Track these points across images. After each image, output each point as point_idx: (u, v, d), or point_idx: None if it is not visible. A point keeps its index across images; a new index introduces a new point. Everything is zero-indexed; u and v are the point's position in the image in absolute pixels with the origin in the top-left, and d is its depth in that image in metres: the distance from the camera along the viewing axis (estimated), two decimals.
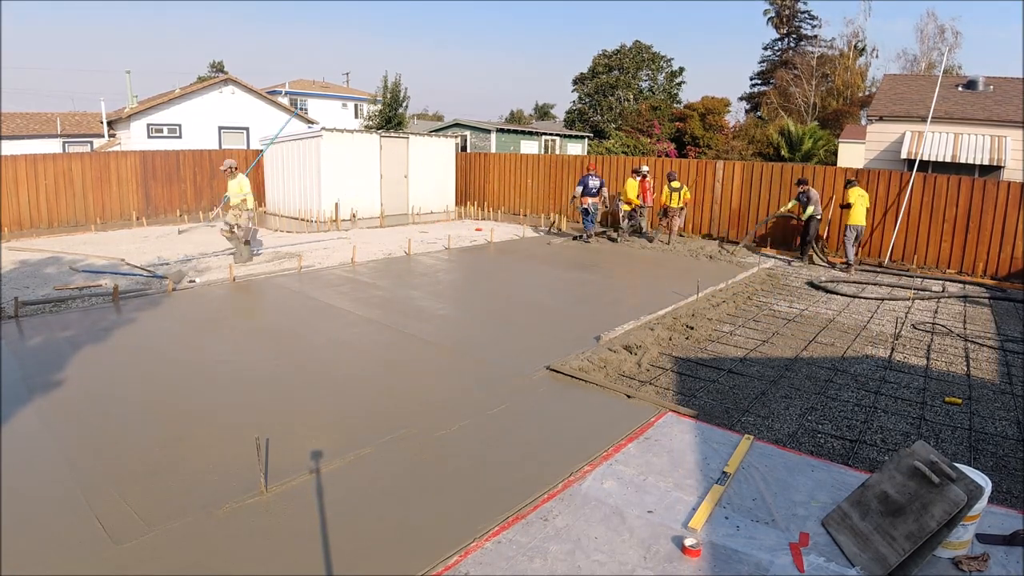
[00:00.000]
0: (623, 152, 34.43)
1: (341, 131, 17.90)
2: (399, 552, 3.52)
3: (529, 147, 33.20)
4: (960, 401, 6.05)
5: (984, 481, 3.58)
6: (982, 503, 3.49)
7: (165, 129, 25.82)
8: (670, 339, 7.68)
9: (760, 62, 57.55)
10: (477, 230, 16.54)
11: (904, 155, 17.39)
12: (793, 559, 3.55)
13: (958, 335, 8.38)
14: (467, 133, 32.32)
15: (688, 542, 3.57)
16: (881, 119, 19.24)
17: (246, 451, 4.30)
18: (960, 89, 20.65)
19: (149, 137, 25.31)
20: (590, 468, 4.48)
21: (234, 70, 69.33)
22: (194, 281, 9.83)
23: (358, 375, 6.29)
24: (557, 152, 34.44)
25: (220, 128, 27.03)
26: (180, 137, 25.74)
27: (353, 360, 6.71)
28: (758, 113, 51.22)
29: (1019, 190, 12.54)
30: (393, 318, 8.23)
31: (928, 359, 7.39)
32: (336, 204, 17.29)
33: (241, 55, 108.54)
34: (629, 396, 5.79)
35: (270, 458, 4.39)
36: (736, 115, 51.72)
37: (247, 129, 27.44)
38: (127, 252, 12.32)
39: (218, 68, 57.11)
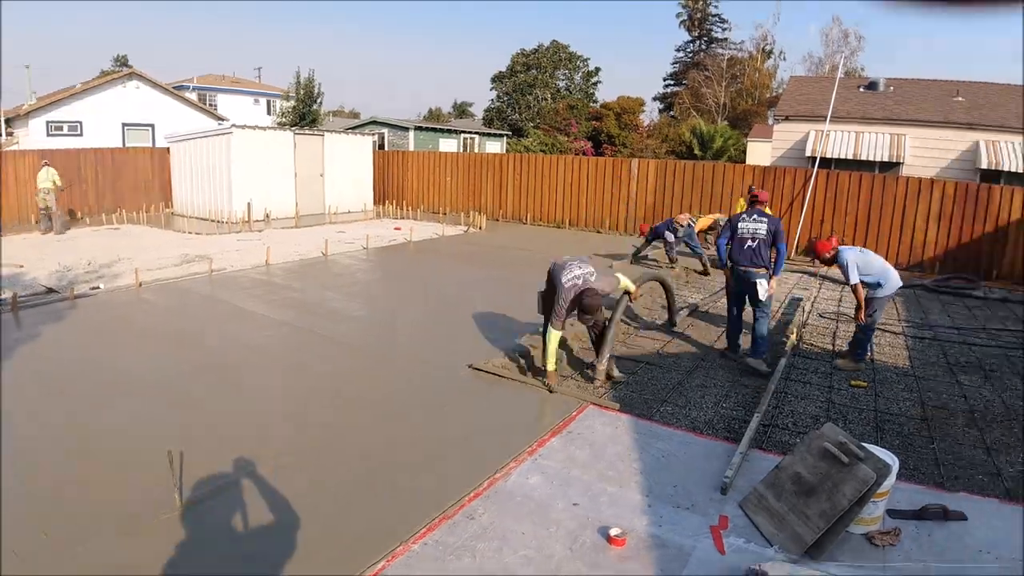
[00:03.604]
0: (541, 150, 34.69)
1: (253, 128, 17.37)
2: (323, 561, 3.44)
3: (448, 145, 33.06)
4: (865, 384, 6.38)
5: (891, 459, 3.77)
6: (890, 480, 3.68)
7: (65, 127, 24.43)
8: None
9: (673, 63, 59.04)
10: (396, 229, 16.35)
11: (808, 153, 18.19)
12: (714, 542, 3.65)
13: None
14: (385, 131, 31.90)
15: (613, 532, 3.62)
16: (787, 119, 20.07)
17: (158, 465, 4.09)
18: (862, 90, 21.75)
19: (49, 135, 23.90)
20: (515, 464, 4.49)
21: (139, 64, 66.38)
22: (98, 287, 9.32)
23: (274, 382, 6.10)
24: (476, 150, 34.42)
25: (124, 125, 25.76)
26: (81, 135, 24.38)
27: (269, 366, 6.51)
28: (671, 113, 52.59)
29: (917, 185, 13.32)
30: (310, 321, 8.03)
31: (834, 345, 7.75)
32: (248, 204, 16.76)
33: (147, 49, 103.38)
34: (551, 391, 5.83)
35: (185, 471, 4.18)
36: (650, 115, 52.85)
37: (152, 126, 26.26)
38: (27, 259, 11.59)
39: (122, 62, 54.38)
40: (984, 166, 16.88)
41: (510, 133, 42.46)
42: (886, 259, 7.17)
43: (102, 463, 4.40)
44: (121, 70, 35.15)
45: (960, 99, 19.49)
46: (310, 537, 3.64)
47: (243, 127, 17.07)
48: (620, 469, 4.48)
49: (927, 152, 18.08)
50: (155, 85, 27.00)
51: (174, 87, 29.91)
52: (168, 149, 19.57)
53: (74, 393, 5.62)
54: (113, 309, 8.38)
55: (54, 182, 14.95)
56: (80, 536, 3.56)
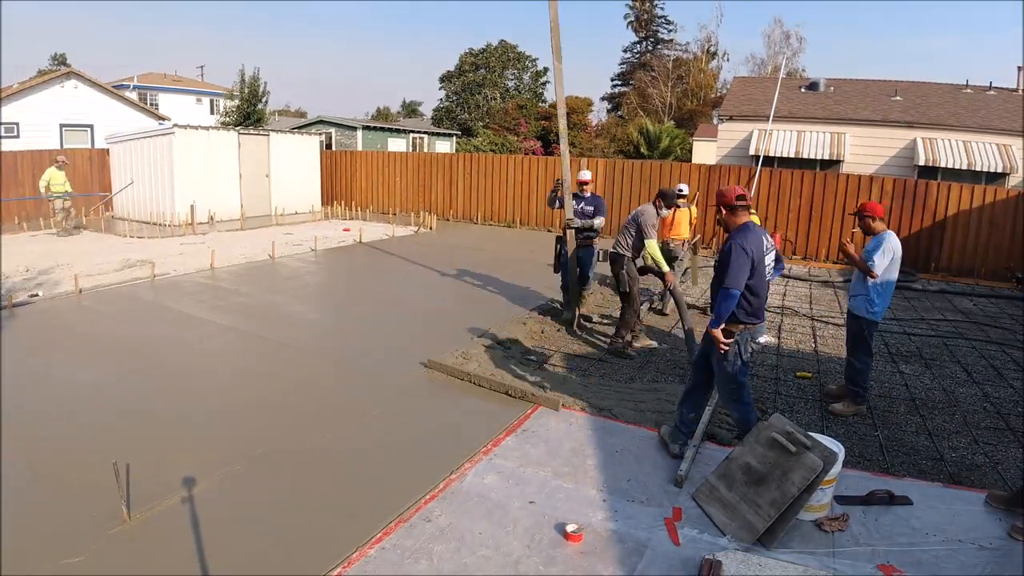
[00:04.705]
0: (491, 150, 34.70)
1: (195, 128, 16.95)
2: (277, 569, 3.36)
3: (397, 145, 32.80)
4: (810, 375, 6.53)
5: (837, 447, 3.87)
6: (837, 467, 3.77)
7: (1, 128, 23.39)
8: (542, 332, 7.79)
9: (620, 64, 59.64)
10: (345, 230, 16.13)
11: (752, 152, 18.57)
12: (669, 534, 3.69)
13: (805, 315, 9.03)
14: (332, 131, 31.49)
15: (570, 528, 3.62)
16: (731, 119, 20.46)
17: (104, 479, 3.91)
18: (803, 90, 22.31)
19: None
20: (470, 465, 4.47)
21: (78, 63, 64.12)
22: (37, 295, 8.93)
23: (222, 389, 5.94)
24: (425, 150, 34.24)
25: (62, 126, 24.77)
26: (17, 136, 23.29)
27: (216, 373, 6.33)
28: (619, 113, 53.11)
29: (857, 182, 13.71)
30: (258, 326, 7.86)
31: (779, 338, 7.92)
32: (192, 206, 16.33)
33: (86, 48, 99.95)
34: (507, 392, 5.81)
35: (132, 484, 4.00)
36: (598, 115, 53.30)
37: (91, 127, 25.32)
38: None
39: (60, 61, 52.53)
40: (922, 163, 17.47)
41: (460, 133, 42.40)
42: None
43: (45, 477, 4.23)
44: (59, 69, 33.81)
45: (898, 98, 20.15)
46: (262, 547, 3.55)
47: (185, 127, 16.64)
48: (575, 465, 4.50)
49: (866, 150, 18.64)
50: (94, 84, 26.08)
51: (114, 86, 28.93)
52: (108, 150, 18.97)
53: (16, 405, 5.38)
54: (53, 317, 8.05)
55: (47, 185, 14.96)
56: (22, 555, 3.40)
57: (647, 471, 4.41)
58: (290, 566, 3.37)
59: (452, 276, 11.14)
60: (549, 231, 17.14)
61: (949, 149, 17.49)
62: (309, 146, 19.99)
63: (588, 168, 16.77)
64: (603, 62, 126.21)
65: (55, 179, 15.03)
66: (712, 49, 52.78)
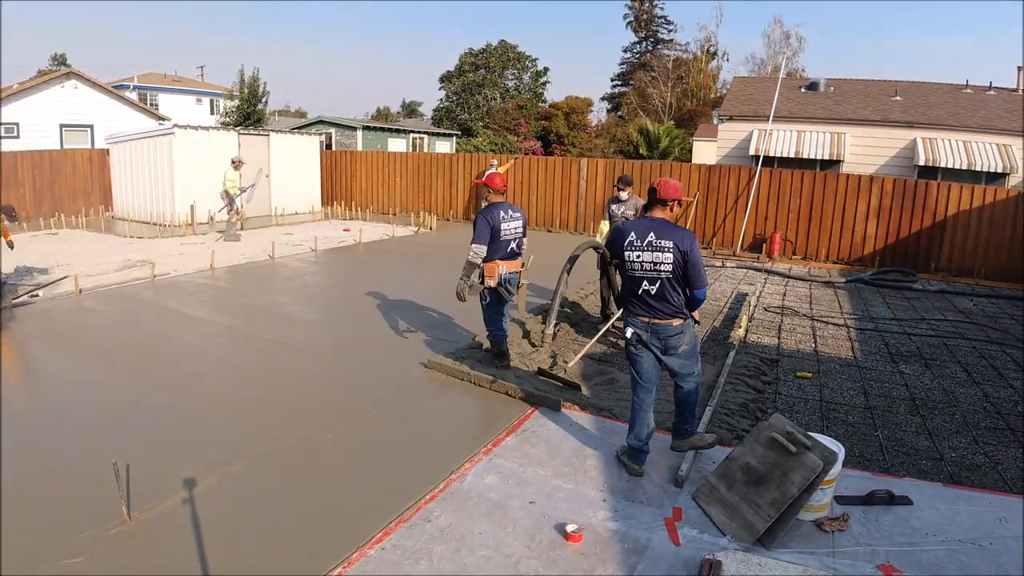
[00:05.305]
0: (491, 150, 34.71)
1: (195, 128, 16.94)
2: (276, 569, 3.36)
3: (397, 145, 32.80)
4: (810, 375, 6.53)
5: (837, 447, 3.87)
6: (837, 467, 3.77)
7: (2, 129, 23.41)
8: (542, 332, 7.77)
9: (620, 64, 59.63)
10: (345, 230, 16.13)
11: (752, 152, 18.56)
12: (669, 534, 3.69)
13: (805, 315, 9.03)
14: (332, 131, 31.48)
15: (570, 528, 3.62)
16: (731, 119, 20.44)
17: (104, 479, 3.91)
18: (803, 90, 22.30)
19: None
20: (470, 465, 4.46)
21: (78, 63, 64.18)
22: (37, 295, 8.94)
23: (222, 389, 5.93)
24: (426, 150, 34.24)
25: (62, 126, 24.79)
26: (17, 137, 23.30)
27: (216, 373, 6.33)
28: (619, 113, 53.10)
29: (857, 182, 13.71)
30: (258, 326, 7.85)
31: (779, 338, 7.92)
32: (192, 206, 16.33)
33: (86, 48, 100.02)
34: (507, 392, 5.80)
35: (132, 484, 4.01)
36: (598, 115, 53.26)
37: (91, 127, 25.33)
38: None
39: (60, 61, 52.60)
40: (922, 163, 17.45)
41: (460, 133, 42.39)
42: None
43: (46, 477, 4.22)
44: (59, 69, 33.74)
45: (898, 98, 20.14)
46: (262, 546, 3.55)
47: (185, 127, 16.65)
48: (575, 465, 4.50)
49: (866, 150, 18.63)
50: (94, 85, 26.08)
51: (114, 86, 28.94)
52: (108, 151, 18.98)
53: (14, 407, 5.38)
54: (54, 318, 8.06)
55: (230, 181, 14.34)
56: (22, 555, 3.40)
57: (647, 471, 4.41)
58: (290, 566, 3.37)
59: (453, 276, 11.11)
60: (549, 231, 17.14)
61: (949, 149, 17.48)
62: (309, 146, 19.99)
63: (588, 168, 16.76)
64: (603, 62, 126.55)
65: (233, 179, 14.47)
66: (712, 49, 52.81)
